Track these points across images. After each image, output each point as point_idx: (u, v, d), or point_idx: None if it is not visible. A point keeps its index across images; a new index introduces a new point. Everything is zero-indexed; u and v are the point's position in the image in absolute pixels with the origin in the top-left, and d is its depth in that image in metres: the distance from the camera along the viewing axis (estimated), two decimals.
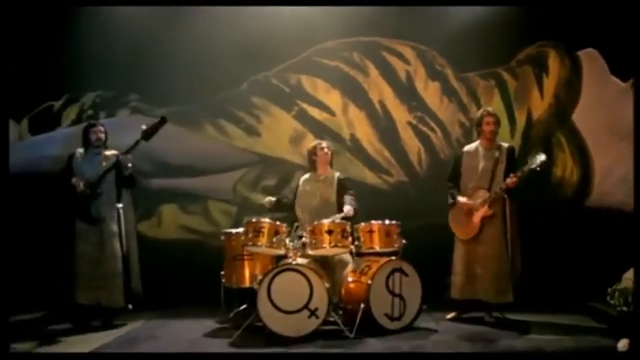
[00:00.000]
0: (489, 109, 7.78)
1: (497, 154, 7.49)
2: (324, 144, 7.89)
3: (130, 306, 7.67)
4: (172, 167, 9.23)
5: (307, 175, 7.93)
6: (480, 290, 7.38)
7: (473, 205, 7.42)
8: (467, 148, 7.75)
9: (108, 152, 7.74)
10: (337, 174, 7.84)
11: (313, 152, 7.83)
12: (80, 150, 7.78)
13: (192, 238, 9.27)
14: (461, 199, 7.53)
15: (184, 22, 9.03)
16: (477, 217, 7.39)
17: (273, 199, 7.90)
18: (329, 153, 7.84)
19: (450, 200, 7.62)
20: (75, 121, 9.12)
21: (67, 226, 7.61)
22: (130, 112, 9.31)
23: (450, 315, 7.63)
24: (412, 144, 9.31)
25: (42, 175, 8.31)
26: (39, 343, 6.97)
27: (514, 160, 7.53)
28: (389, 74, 9.34)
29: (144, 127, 7.44)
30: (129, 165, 7.55)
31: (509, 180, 7.21)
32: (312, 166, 7.87)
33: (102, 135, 7.74)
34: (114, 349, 6.70)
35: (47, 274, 7.95)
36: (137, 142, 7.47)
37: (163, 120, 7.49)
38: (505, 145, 7.62)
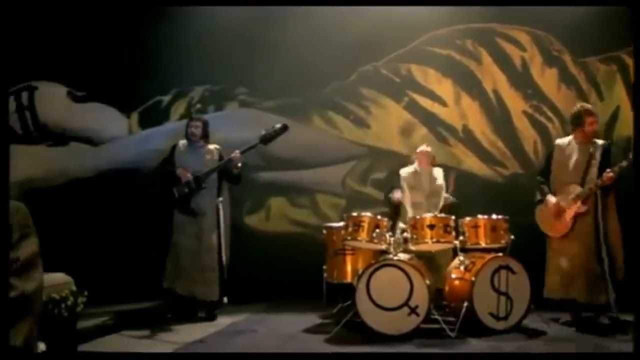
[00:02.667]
0: (589, 106, 7.25)
1: (591, 149, 6.98)
2: (425, 148, 7.67)
3: (225, 300, 7.66)
4: (281, 160, 9.18)
5: (409, 169, 7.68)
6: (574, 290, 6.88)
7: (563, 203, 6.94)
8: (559, 141, 7.27)
9: (210, 146, 7.76)
10: (440, 170, 7.61)
11: (416, 154, 7.66)
12: (183, 141, 7.85)
13: (300, 231, 9.19)
14: (551, 198, 7.05)
15: (291, 16, 8.94)
16: (569, 214, 6.89)
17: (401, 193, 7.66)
18: (429, 151, 7.62)
19: (539, 197, 7.16)
20: (184, 115, 9.21)
21: (167, 217, 7.69)
22: (239, 105, 9.33)
23: (562, 319, 7.17)
24: (527, 135, 8.88)
25: (151, 168, 8.40)
26: (149, 333, 7.09)
27: (608, 159, 6.97)
28: (503, 61, 8.95)
29: (263, 132, 7.47)
30: (239, 165, 7.55)
31: (605, 176, 6.70)
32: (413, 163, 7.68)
33: (196, 130, 7.76)
34: (212, 341, 6.70)
35: (153, 264, 8.03)
36: (254, 146, 7.54)
37: (284, 128, 7.51)
38: (600, 142, 7.07)
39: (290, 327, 7.22)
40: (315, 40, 8.95)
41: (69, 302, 5.26)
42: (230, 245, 7.89)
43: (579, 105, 7.31)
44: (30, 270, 3.03)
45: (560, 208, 6.94)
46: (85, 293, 5.50)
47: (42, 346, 4.96)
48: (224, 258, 7.66)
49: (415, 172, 7.62)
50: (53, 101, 9.34)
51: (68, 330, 5.35)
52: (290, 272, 8.54)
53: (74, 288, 5.45)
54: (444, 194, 7.51)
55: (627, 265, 6.75)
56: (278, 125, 7.56)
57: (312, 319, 7.59)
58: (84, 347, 6.12)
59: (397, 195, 7.61)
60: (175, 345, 6.50)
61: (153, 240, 7.97)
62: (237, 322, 7.60)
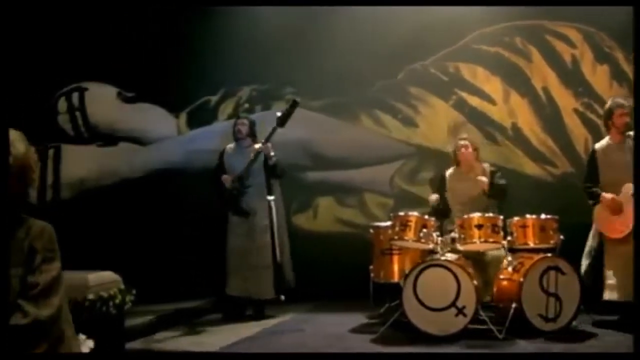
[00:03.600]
0: (618, 99, 7.09)
1: (630, 142, 6.83)
2: (463, 142, 7.53)
3: (282, 297, 7.69)
4: (328, 159, 9.17)
5: (452, 170, 7.61)
6: (631, 292, 6.71)
7: (621, 199, 6.79)
8: (597, 146, 7.14)
9: (257, 146, 7.80)
10: (486, 166, 7.49)
11: (456, 149, 7.53)
12: (231, 145, 7.93)
13: (348, 231, 9.17)
14: (606, 195, 6.90)
15: (339, 16, 8.92)
16: (629, 210, 6.72)
17: (437, 196, 7.59)
18: (469, 152, 7.48)
19: (591, 201, 7.01)
20: (231, 115, 9.23)
21: (220, 219, 7.74)
22: (286, 104, 9.31)
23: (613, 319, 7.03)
24: (578, 133, 8.73)
25: (199, 168, 8.47)
26: (196, 331, 7.17)
27: None
28: (553, 58, 8.81)
29: (278, 113, 7.48)
30: (272, 154, 7.57)
31: None
32: (456, 162, 7.56)
33: (243, 128, 7.82)
34: (259, 340, 6.74)
35: (205, 265, 8.09)
36: (273, 130, 7.52)
37: (294, 104, 7.50)
38: (631, 132, 6.91)
39: (337, 327, 7.21)
40: (363, 39, 8.93)
41: (117, 300, 5.33)
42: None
43: (609, 100, 7.18)
44: (48, 297, 2.93)
45: (618, 203, 6.80)
46: (133, 291, 5.57)
47: (90, 343, 5.04)
48: (278, 256, 7.68)
49: (458, 172, 7.54)
50: (103, 102, 9.47)
51: (116, 328, 5.42)
52: (337, 271, 8.52)
53: (122, 286, 5.52)
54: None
55: None
56: (289, 104, 7.55)
57: (359, 318, 7.57)
58: (132, 345, 6.21)
59: (433, 197, 7.53)
60: (222, 344, 6.56)
61: (196, 241, 8.06)
62: (284, 321, 7.64)
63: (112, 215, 8.90)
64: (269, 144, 7.58)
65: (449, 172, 7.65)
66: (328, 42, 8.96)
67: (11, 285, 2.90)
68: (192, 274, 8.26)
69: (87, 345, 5.02)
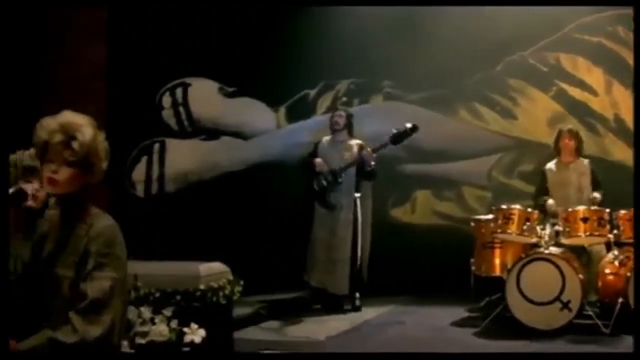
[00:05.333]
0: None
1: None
2: (566, 132, 7.42)
3: (357, 295, 7.70)
4: (426, 152, 9.13)
5: (553, 163, 7.49)
6: None
7: None
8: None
9: (352, 141, 7.83)
10: (587, 162, 7.37)
11: (557, 139, 7.42)
12: (327, 137, 7.96)
13: (445, 224, 9.11)
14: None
15: (436, 8, 8.86)
16: None
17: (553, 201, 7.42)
18: (572, 142, 7.36)
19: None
20: (329, 108, 9.26)
21: (308, 210, 7.84)
22: (384, 98, 9.33)
23: None
24: None
25: (298, 161, 8.54)
26: (297, 323, 7.24)
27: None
28: None
29: (394, 130, 7.49)
30: (372, 163, 7.59)
31: None
32: (557, 153, 7.45)
33: (340, 120, 7.85)
34: (362, 331, 6.81)
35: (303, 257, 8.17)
36: (385, 145, 7.58)
37: (414, 128, 7.50)
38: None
39: (438, 319, 7.22)
40: (462, 31, 8.84)
41: (227, 291, 5.45)
42: (374, 238, 7.96)
43: None
44: (99, 313, 2.67)
45: None
46: (241, 282, 5.68)
47: (202, 332, 5.19)
48: (359, 253, 7.70)
49: (559, 166, 7.43)
50: (205, 97, 9.65)
51: (225, 318, 5.55)
52: (434, 264, 8.47)
53: (230, 277, 5.64)
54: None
55: None
56: (409, 125, 7.52)
57: (459, 312, 7.54)
58: (239, 335, 6.33)
59: (550, 202, 7.39)
60: (324, 336, 6.63)
61: (295, 233, 8.15)
62: (383, 313, 7.65)
63: (214, 207, 9.08)
64: (374, 155, 7.59)
65: (548, 165, 7.55)
66: (426, 35, 8.91)
67: (60, 287, 2.72)
68: (291, 265, 8.35)
69: (199, 334, 5.17)
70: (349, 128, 7.87)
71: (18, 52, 7.68)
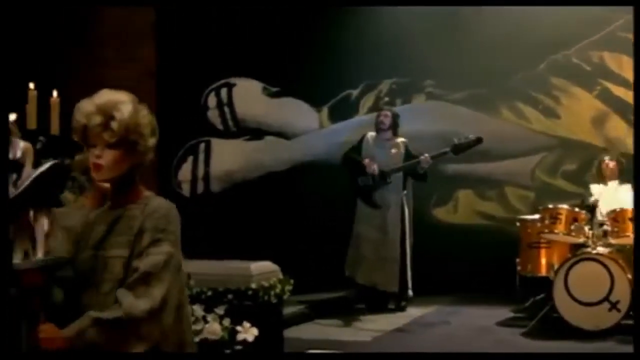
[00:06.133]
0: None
1: None
2: (607, 158, 7.43)
3: (410, 292, 7.71)
4: (469, 152, 9.05)
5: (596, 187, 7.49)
6: None
7: None
8: None
9: (398, 140, 7.84)
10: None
11: (599, 165, 7.45)
12: (372, 133, 7.95)
13: (488, 224, 9.07)
14: None
15: (478, 7, 8.84)
16: None
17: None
18: (614, 167, 7.37)
19: None
20: (372, 108, 9.26)
21: (351, 207, 7.87)
22: (426, 98, 9.32)
23: None
24: None
25: (339, 162, 8.55)
26: (342, 322, 7.28)
27: None
28: None
29: (455, 140, 7.51)
30: (426, 166, 7.59)
31: None
32: (600, 177, 7.46)
33: (385, 120, 7.85)
34: (408, 332, 6.82)
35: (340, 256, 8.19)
36: (444, 153, 7.60)
37: (478, 140, 7.49)
38: None
39: (483, 319, 7.21)
40: (504, 30, 8.81)
41: (277, 290, 5.47)
42: (417, 237, 7.95)
43: None
44: (148, 286, 2.49)
45: None
46: (291, 281, 5.71)
47: (254, 331, 5.22)
48: (407, 251, 7.72)
49: (601, 189, 7.39)
50: (250, 97, 9.69)
51: (275, 317, 5.58)
52: (476, 264, 8.46)
53: (280, 276, 5.66)
54: None
55: None
56: (472, 137, 7.54)
57: (503, 312, 7.51)
58: (287, 334, 6.35)
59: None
60: (370, 336, 6.65)
61: (338, 232, 8.17)
62: (428, 313, 7.67)
63: (258, 207, 9.13)
64: (430, 159, 7.58)
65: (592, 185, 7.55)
66: (468, 34, 8.89)
67: (112, 269, 2.56)
68: (335, 265, 8.38)
69: (251, 333, 5.21)
70: (394, 128, 7.87)
71: (68, 54, 7.82)
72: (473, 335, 6.55)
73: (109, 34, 8.32)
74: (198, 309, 5.11)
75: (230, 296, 5.29)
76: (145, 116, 2.59)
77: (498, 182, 9.12)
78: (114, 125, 2.50)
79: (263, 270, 5.55)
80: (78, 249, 2.65)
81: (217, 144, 9.77)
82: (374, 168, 7.66)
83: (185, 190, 9.71)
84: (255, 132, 9.68)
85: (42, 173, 2.66)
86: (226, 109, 9.74)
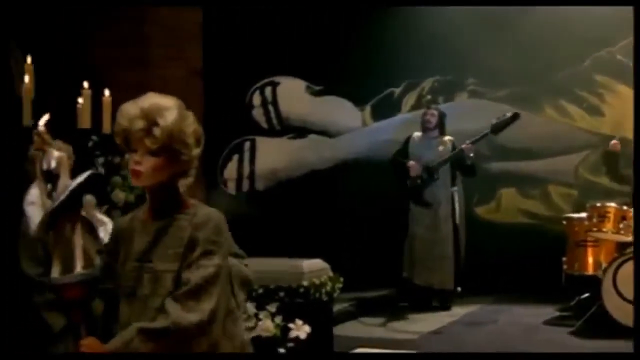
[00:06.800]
0: None
1: None
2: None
3: (459, 289, 7.71)
4: (511, 150, 9.04)
5: None
6: None
7: None
8: None
9: (445, 137, 7.83)
10: None
11: None
12: (418, 133, 7.95)
13: (531, 222, 9.03)
14: None
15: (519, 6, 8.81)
16: None
17: None
18: None
19: None
20: (414, 106, 9.27)
21: (402, 208, 7.85)
22: (468, 95, 9.29)
23: None
24: None
25: (384, 159, 8.55)
26: (385, 321, 7.27)
27: None
28: None
29: (494, 121, 7.45)
30: (471, 155, 7.56)
31: None
32: None
33: (432, 119, 7.84)
34: (455, 330, 6.80)
35: (389, 254, 8.18)
36: (485, 135, 7.53)
37: (515, 116, 7.42)
38: None
39: (530, 318, 7.18)
40: (548, 27, 8.77)
41: (328, 288, 5.50)
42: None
43: None
44: (198, 300, 2.43)
45: None
46: (341, 279, 5.73)
47: (306, 329, 5.25)
48: (461, 247, 7.71)
49: None
50: (293, 95, 9.73)
51: (326, 314, 5.60)
52: (519, 263, 8.43)
53: (330, 274, 5.69)
54: None
55: None
56: (508, 114, 7.48)
57: (548, 311, 7.47)
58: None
59: None
60: (416, 335, 6.65)
61: (381, 230, 8.17)
62: (473, 312, 7.64)
63: (302, 205, 9.16)
64: (473, 147, 7.57)
65: None
66: (511, 31, 8.86)
67: (161, 283, 2.49)
68: (378, 263, 8.39)
69: (304, 330, 5.24)
70: (441, 127, 7.85)
71: (117, 54, 7.90)
72: (520, 334, 6.52)
73: (157, 34, 8.39)
74: (250, 307, 5.15)
75: (281, 294, 5.32)
76: (191, 125, 2.52)
77: (541, 180, 9.07)
78: (157, 131, 2.43)
79: (314, 268, 5.58)
80: (117, 259, 2.60)
81: (261, 142, 9.81)
82: (418, 170, 7.65)
83: (231, 188, 9.77)
84: (299, 131, 9.73)
85: (79, 184, 2.64)
86: (270, 108, 9.79)
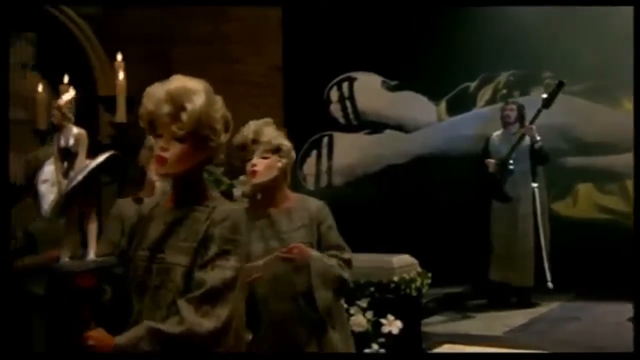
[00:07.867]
0: None
1: None
2: None
3: (550, 285, 7.60)
4: (588, 144, 8.92)
5: None
6: None
7: None
8: None
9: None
10: None
11: None
12: (498, 132, 7.92)
13: (608, 218, 8.89)
14: None
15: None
16: None
17: None
18: None
19: None
20: (489, 101, 9.23)
21: (483, 205, 7.80)
22: (544, 89, 9.14)
23: None
24: None
25: (460, 154, 8.51)
26: (460, 317, 7.28)
27: None
28: None
29: (544, 95, 7.43)
30: (537, 137, 7.48)
31: None
32: None
33: (512, 113, 7.80)
34: (538, 327, 6.75)
35: (467, 251, 8.12)
36: (538, 111, 7.45)
37: (561, 84, 7.35)
38: None
39: (613, 315, 7.06)
40: (624, 19, 8.54)
41: (417, 283, 5.49)
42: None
43: None
44: (214, 305, 2.26)
45: None
46: (429, 275, 5.72)
47: (398, 324, 5.25)
48: (542, 244, 7.62)
49: None
50: (370, 91, 9.76)
51: (415, 310, 5.60)
52: (596, 259, 8.30)
53: (419, 269, 5.68)
54: None
55: None
56: (554, 83, 7.45)
57: (629, 307, 7.34)
58: None
59: None
60: (500, 331, 6.61)
61: (458, 227, 8.11)
62: (553, 309, 7.57)
63: (380, 200, 9.16)
64: (533, 127, 7.51)
65: None
66: (588, 23, 8.72)
67: (170, 277, 2.34)
68: (455, 260, 8.34)
69: (396, 325, 5.25)
70: (521, 121, 7.78)
71: (198, 51, 7.99)
72: (607, 331, 6.44)
73: (237, 30, 8.46)
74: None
75: (372, 289, 5.33)
76: (219, 110, 2.38)
77: (619, 175, 8.90)
78: (184, 116, 2.28)
79: (403, 263, 5.59)
80: (131, 246, 2.49)
81: (339, 137, 9.85)
82: (492, 164, 7.61)
83: (310, 183, 9.83)
84: (376, 126, 9.74)
85: (98, 165, 2.51)
86: (348, 103, 9.82)
